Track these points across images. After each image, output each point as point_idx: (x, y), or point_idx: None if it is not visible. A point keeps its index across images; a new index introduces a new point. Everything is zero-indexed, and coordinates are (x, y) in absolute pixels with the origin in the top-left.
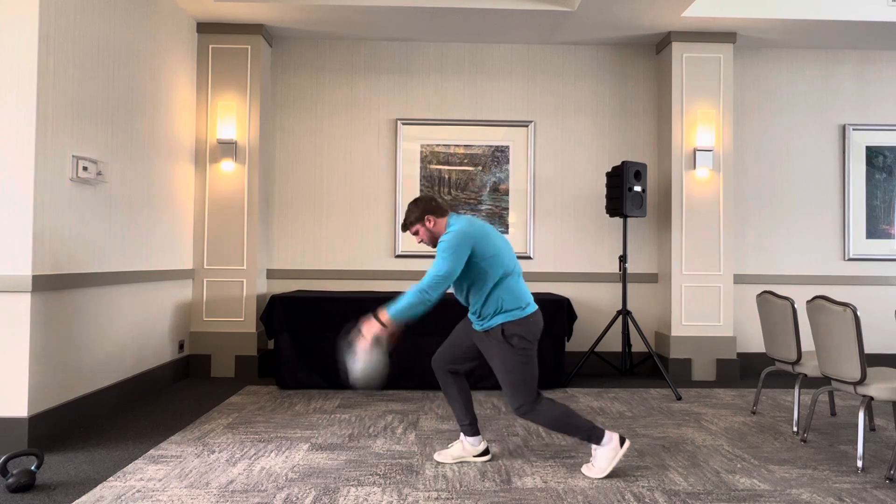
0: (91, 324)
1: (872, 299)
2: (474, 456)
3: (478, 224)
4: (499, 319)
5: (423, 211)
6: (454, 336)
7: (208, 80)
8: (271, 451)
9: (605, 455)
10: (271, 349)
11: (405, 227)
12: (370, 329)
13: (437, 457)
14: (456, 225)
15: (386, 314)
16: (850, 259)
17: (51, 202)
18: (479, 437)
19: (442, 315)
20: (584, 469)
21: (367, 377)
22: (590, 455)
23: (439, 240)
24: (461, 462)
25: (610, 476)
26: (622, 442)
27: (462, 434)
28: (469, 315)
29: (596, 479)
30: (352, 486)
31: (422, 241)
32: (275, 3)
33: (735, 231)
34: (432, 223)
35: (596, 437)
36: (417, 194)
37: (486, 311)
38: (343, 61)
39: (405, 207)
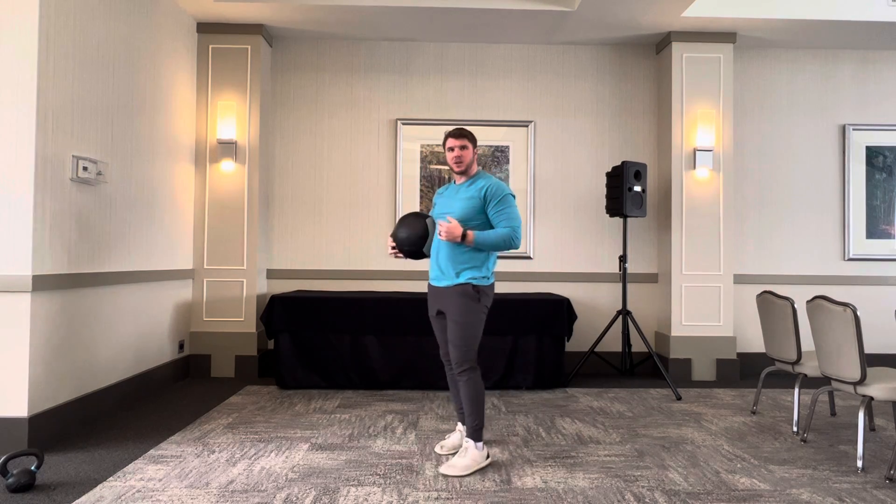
0: (91, 324)
1: (872, 299)
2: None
3: None
4: (472, 275)
5: (475, 142)
6: (437, 328)
7: (208, 80)
8: (271, 451)
9: (475, 457)
10: (271, 349)
11: (460, 135)
12: (453, 232)
13: (438, 449)
14: (493, 178)
15: (472, 235)
16: (850, 259)
17: (51, 202)
18: None
19: None
20: (444, 467)
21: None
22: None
23: (499, 190)
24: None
25: (610, 476)
26: (487, 456)
27: (459, 423)
28: (435, 276)
29: (452, 475)
30: (352, 486)
31: (457, 157)
32: (275, 3)
33: (735, 231)
34: (476, 155)
35: (479, 435)
36: (417, 194)
37: (469, 265)
38: (343, 61)
39: (405, 207)
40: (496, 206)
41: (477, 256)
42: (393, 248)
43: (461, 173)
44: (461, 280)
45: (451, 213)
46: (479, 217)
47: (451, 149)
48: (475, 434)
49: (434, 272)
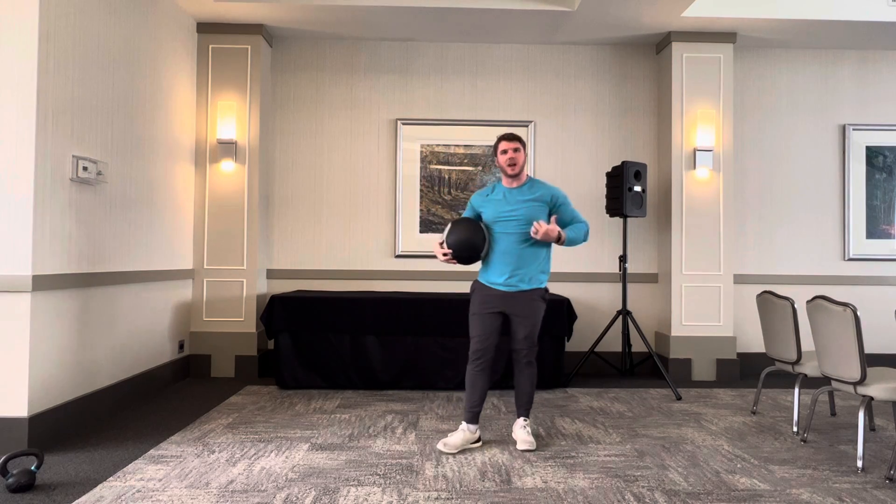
0: (91, 324)
1: (872, 299)
2: (472, 443)
3: None
4: (543, 280)
5: (525, 146)
6: (488, 324)
7: (208, 80)
8: (271, 451)
9: (527, 425)
10: (271, 349)
11: (513, 138)
12: (550, 234)
13: (442, 447)
14: (549, 184)
15: (564, 234)
16: (850, 259)
17: (51, 202)
18: (478, 425)
19: (441, 315)
20: (523, 444)
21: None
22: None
23: (560, 194)
24: (461, 462)
25: (610, 476)
26: None
27: (465, 422)
28: (509, 282)
29: (533, 449)
30: (352, 486)
31: (511, 160)
32: (275, 3)
33: (735, 231)
34: (526, 159)
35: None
36: (417, 194)
37: (538, 269)
38: (343, 61)
39: (405, 207)
40: (565, 208)
41: (547, 260)
42: (445, 254)
43: (514, 176)
44: (538, 285)
45: (517, 217)
46: (543, 219)
47: (505, 151)
48: (528, 411)
49: (504, 278)
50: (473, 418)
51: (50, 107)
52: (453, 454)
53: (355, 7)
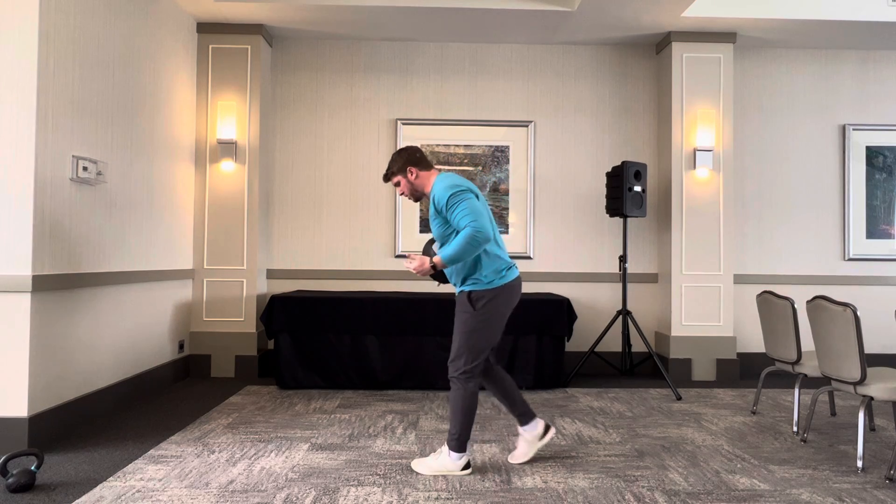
0: (91, 324)
1: (872, 299)
2: (539, 440)
3: (468, 182)
4: (470, 284)
5: (405, 162)
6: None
7: (208, 80)
8: (271, 451)
9: (445, 464)
10: (271, 349)
11: (386, 178)
12: (421, 269)
13: (511, 459)
14: (448, 180)
15: (438, 259)
16: (850, 259)
17: (51, 202)
18: (535, 421)
19: (441, 315)
20: (416, 461)
21: None
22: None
23: (442, 195)
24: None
25: (610, 476)
26: (465, 467)
27: (520, 427)
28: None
29: (416, 470)
30: (352, 486)
31: (402, 193)
32: (275, 3)
33: (735, 231)
34: (414, 175)
35: (455, 445)
36: None
37: (462, 275)
38: (343, 61)
39: (405, 207)
40: (448, 213)
41: (481, 267)
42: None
43: (419, 199)
44: (462, 288)
45: (434, 234)
46: (448, 234)
47: (396, 186)
48: (451, 443)
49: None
50: (527, 417)
51: (50, 107)
52: (523, 462)
53: (355, 7)
